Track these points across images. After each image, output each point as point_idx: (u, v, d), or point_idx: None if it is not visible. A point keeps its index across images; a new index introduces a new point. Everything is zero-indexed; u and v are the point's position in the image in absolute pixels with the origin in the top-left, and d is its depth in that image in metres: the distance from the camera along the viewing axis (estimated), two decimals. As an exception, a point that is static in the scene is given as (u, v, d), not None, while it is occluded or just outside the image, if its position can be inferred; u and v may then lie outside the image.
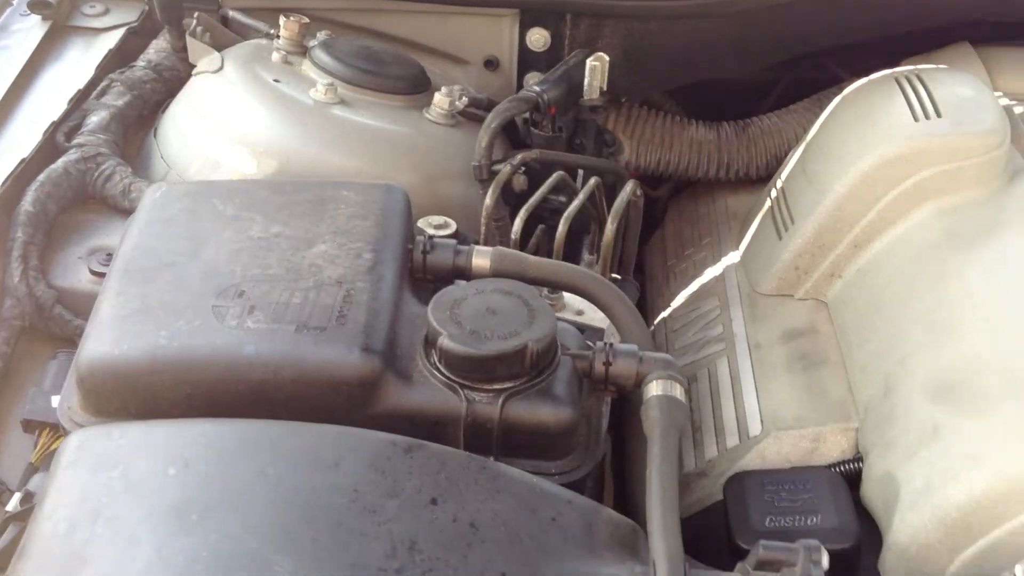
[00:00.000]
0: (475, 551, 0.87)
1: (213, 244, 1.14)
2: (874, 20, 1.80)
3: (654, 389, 1.04)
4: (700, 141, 1.82)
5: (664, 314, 1.69)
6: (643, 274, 1.85)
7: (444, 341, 1.02)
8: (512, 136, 1.64)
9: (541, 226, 1.51)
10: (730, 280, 1.62)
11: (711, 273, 1.68)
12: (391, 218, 1.18)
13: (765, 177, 1.78)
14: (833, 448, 1.27)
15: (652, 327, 1.70)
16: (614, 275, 1.48)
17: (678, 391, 1.04)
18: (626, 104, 1.82)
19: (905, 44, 1.82)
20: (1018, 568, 0.93)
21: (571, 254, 1.45)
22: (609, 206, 1.40)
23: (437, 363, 1.04)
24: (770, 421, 1.32)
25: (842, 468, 1.25)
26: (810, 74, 1.93)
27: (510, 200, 1.52)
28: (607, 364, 1.07)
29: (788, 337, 1.45)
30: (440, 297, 1.06)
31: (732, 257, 1.67)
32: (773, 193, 1.63)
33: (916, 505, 1.09)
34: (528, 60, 1.76)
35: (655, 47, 1.73)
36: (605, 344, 1.09)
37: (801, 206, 1.52)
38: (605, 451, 1.12)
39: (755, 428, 1.32)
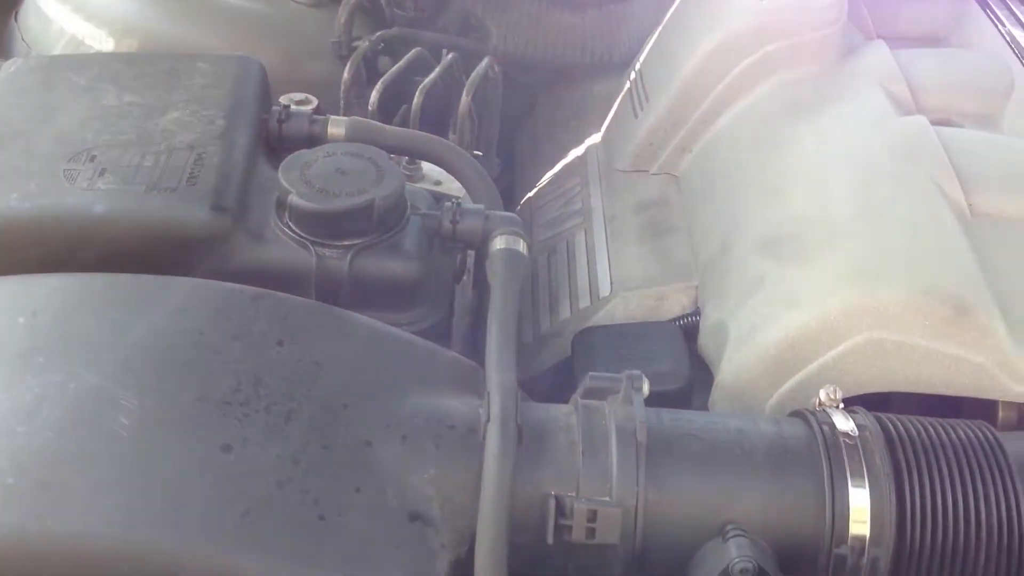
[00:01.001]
0: (319, 385, 0.92)
1: (66, 113, 1.15)
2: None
3: (498, 243, 1.10)
4: (566, 27, 1.86)
5: (530, 193, 1.75)
6: (515, 158, 1.90)
7: (293, 199, 1.06)
8: (379, 20, 1.66)
9: (404, 106, 1.54)
10: (591, 159, 1.68)
11: (575, 154, 1.74)
12: (245, 87, 1.21)
13: (629, 62, 1.84)
14: (675, 305, 1.36)
15: (519, 207, 1.76)
16: (476, 151, 1.53)
17: (520, 245, 1.11)
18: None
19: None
20: (821, 392, 1.02)
21: (438, 134, 1.49)
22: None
23: (288, 222, 1.08)
24: (619, 283, 1.40)
25: (682, 322, 1.33)
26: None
27: (375, 81, 1.55)
28: (454, 222, 1.13)
29: (640, 208, 1.53)
30: (291, 159, 1.10)
31: (594, 138, 1.74)
32: (632, 75, 1.69)
33: (741, 346, 1.18)
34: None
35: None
36: (452, 203, 1.14)
37: (655, 85, 1.58)
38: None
39: (605, 290, 1.40)
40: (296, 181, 1.08)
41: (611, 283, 1.41)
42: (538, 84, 2.00)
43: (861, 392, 1.11)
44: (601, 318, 1.37)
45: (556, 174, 1.73)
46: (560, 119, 1.88)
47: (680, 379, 1.21)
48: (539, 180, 1.76)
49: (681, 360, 1.23)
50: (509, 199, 1.80)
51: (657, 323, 1.33)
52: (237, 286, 0.99)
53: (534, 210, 1.70)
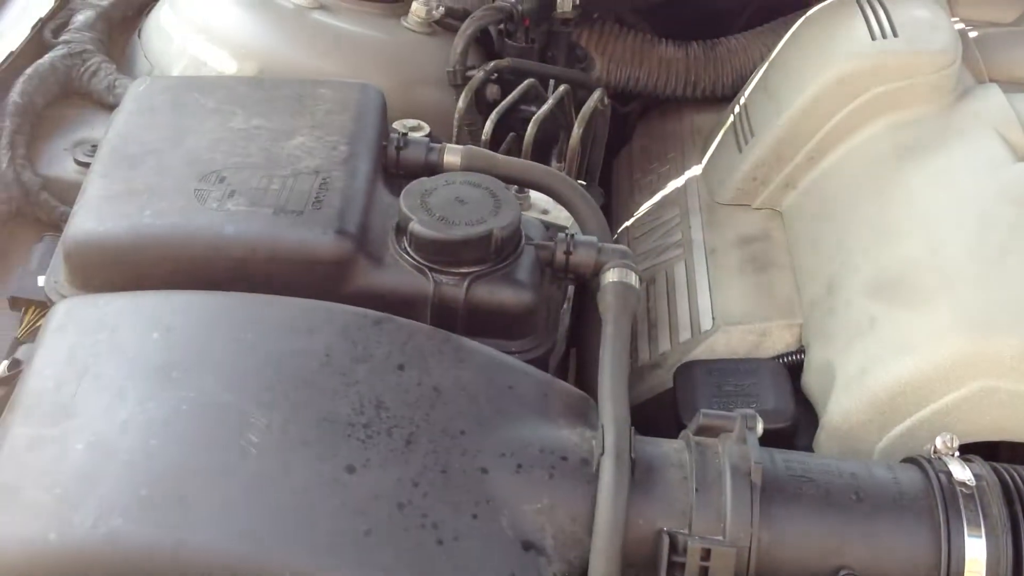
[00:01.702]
0: (437, 411, 0.94)
1: (195, 133, 1.19)
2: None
3: (610, 276, 1.11)
4: (669, 59, 1.87)
5: (628, 223, 1.76)
6: (611, 187, 1.92)
7: (414, 226, 1.09)
8: (488, 49, 1.69)
9: (512, 134, 1.56)
10: (691, 191, 1.69)
11: (674, 185, 1.75)
12: (366, 114, 1.24)
13: (731, 96, 1.84)
14: (778, 342, 1.36)
15: (616, 235, 1.77)
16: (580, 181, 1.55)
17: (632, 278, 1.11)
18: (599, 21, 1.87)
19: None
20: (937, 440, 1.01)
21: (541, 162, 1.51)
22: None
23: (407, 247, 1.11)
24: (720, 317, 1.40)
25: (785, 359, 1.33)
26: (780, -1, 1.98)
27: (484, 110, 1.57)
28: (568, 253, 1.14)
29: (742, 243, 1.53)
30: (412, 187, 1.13)
31: (695, 170, 1.74)
32: (736, 109, 1.70)
33: (849, 388, 1.18)
34: (504, -26, 1.81)
35: (628, -35, 1.78)
36: (566, 235, 1.16)
37: (761, 120, 1.58)
38: (565, 341, 1.20)
39: (707, 324, 1.40)
40: (417, 208, 1.10)
41: (712, 316, 1.41)
42: (633, 114, 2.02)
43: (971, 441, 1.10)
44: (702, 351, 1.37)
45: (655, 204, 1.74)
46: (658, 150, 1.89)
47: (786, 418, 1.21)
48: (636, 210, 1.77)
49: (786, 398, 1.23)
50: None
51: (761, 360, 1.33)
52: (361, 310, 1.01)
53: (631, 240, 1.71)
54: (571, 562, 0.91)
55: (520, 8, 1.56)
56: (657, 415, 1.31)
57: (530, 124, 1.37)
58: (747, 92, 1.69)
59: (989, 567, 0.92)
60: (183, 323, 0.99)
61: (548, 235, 1.25)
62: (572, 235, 1.15)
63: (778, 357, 1.34)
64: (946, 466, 0.98)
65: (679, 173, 1.77)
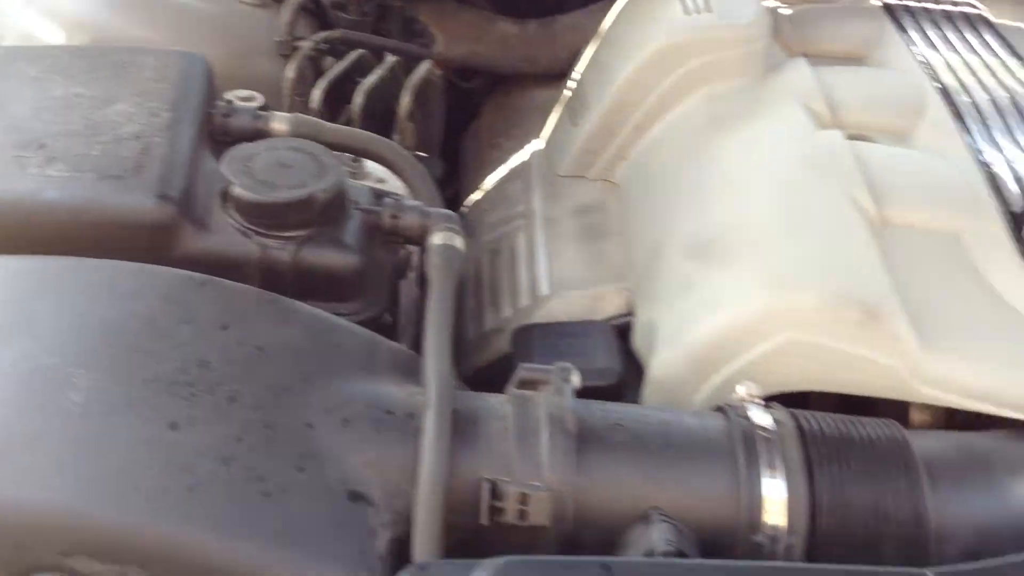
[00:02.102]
0: (261, 369, 0.96)
1: (16, 102, 1.17)
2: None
3: (436, 239, 1.14)
4: (507, 36, 1.92)
5: (475, 196, 1.80)
6: (459, 163, 1.95)
7: (235, 190, 1.10)
8: (323, 21, 1.70)
9: (347, 105, 1.58)
10: (533, 164, 1.73)
11: (518, 159, 1.79)
12: (189, 81, 1.23)
13: (569, 71, 1.89)
14: (610, 305, 1.41)
15: (465, 209, 1.81)
16: (419, 153, 1.58)
17: (458, 241, 1.15)
18: (438, -2, 1.90)
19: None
20: (740, 389, 1.08)
21: (382, 135, 1.53)
22: (413, 89, 1.49)
23: (232, 212, 1.11)
24: (557, 283, 1.45)
25: (616, 322, 1.39)
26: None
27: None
28: (394, 217, 1.17)
29: (579, 212, 1.58)
30: (233, 151, 1.14)
31: (536, 144, 1.79)
32: (571, 84, 1.75)
33: (668, 345, 1.24)
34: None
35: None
36: (394, 199, 1.19)
37: (592, 94, 1.64)
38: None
39: (545, 290, 1.45)
40: (239, 172, 1.11)
41: (550, 283, 1.46)
42: (481, 91, 2.05)
43: (781, 390, 1.17)
44: (541, 316, 1.42)
45: (501, 178, 1.78)
46: (504, 126, 1.93)
47: (612, 375, 1.25)
48: (483, 184, 1.81)
49: (614, 358, 1.28)
50: (455, 203, 1.85)
51: (592, 322, 1.38)
52: (185, 272, 1.02)
53: (479, 213, 1.74)
54: (398, 511, 0.93)
55: (349, -21, 1.58)
56: (498, 375, 1.35)
57: (355, 94, 1.39)
58: (580, 68, 1.75)
59: (790, 505, 0.98)
60: (4, 287, 0.97)
61: (377, 201, 1.28)
62: (399, 199, 1.18)
63: (609, 319, 1.40)
64: (747, 413, 1.05)
65: (522, 147, 1.82)
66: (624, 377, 1.27)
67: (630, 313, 1.39)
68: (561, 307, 1.41)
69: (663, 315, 1.29)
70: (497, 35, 1.91)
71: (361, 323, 1.12)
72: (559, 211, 1.59)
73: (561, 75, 1.94)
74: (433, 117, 1.60)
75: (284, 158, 1.13)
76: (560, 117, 1.74)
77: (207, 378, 0.93)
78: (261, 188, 1.09)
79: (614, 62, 1.61)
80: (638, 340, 1.33)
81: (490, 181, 1.78)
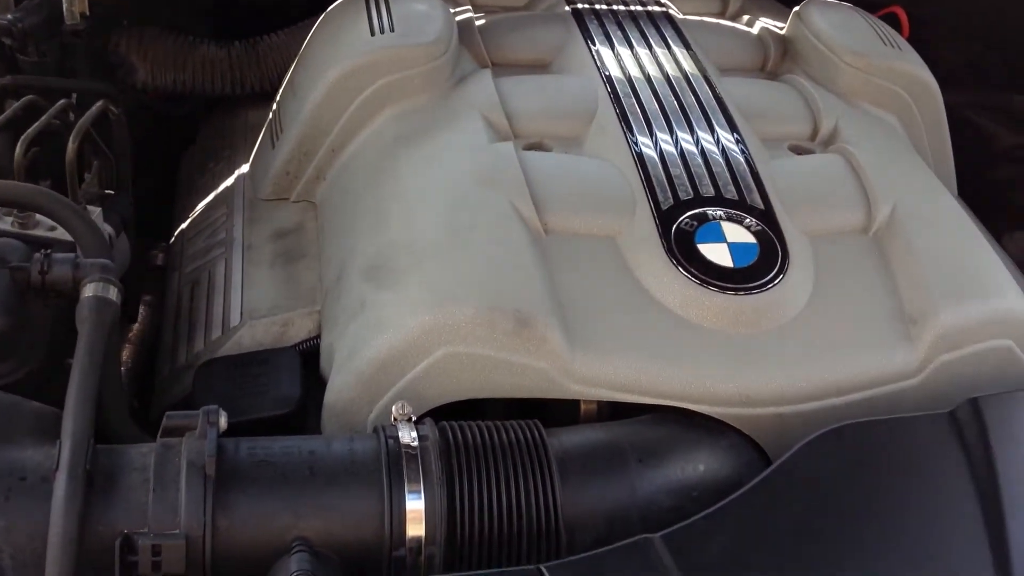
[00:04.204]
0: None
1: None
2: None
3: (88, 291, 1.14)
4: (212, 59, 1.91)
5: (183, 225, 1.78)
6: (175, 190, 1.93)
7: None
8: (11, 64, 1.65)
9: (35, 149, 1.54)
10: (238, 189, 1.74)
11: (224, 183, 1.79)
12: None
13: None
14: (300, 330, 1.44)
15: (172, 238, 1.79)
16: (108, 191, 1.56)
17: (111, 292, 1.15)
18: (137, 26, 1.87)
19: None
20: (394, 408, 1.12)
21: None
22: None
23: None
24: (248, 312, 1.46)
25: (304, 346, 1.41)
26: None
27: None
28: (43, 273, 1.16)
29: (277, 236, 1.60)
30: None
31: (244, 168, 1.79)
32: (273, 106, 1.76)
33: (342, 368, 1.27)
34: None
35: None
36: (43, 254, 1.17)
37: (288, 116, 1.65)
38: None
39: (235, 319, 1.46)
40: None
41: (241, 312, 1.47)
42: (195, 115, 2.04)
43: (444, 402, 1.22)
44: (229, 348, 1.43)
45: (207, 204, 1.78)
46: (216, 148, 1.93)
47: (290, 403, 1.28)
48: (192, 211, 1.80)
49: (294, 385, 1.31)
50: (168, 232, 1.84)
51: (278, 349, 1.40)
52: None
53: (185, 242, 1.74)
54: (32, 577, 0.94)
55: (20, 25, 1.54)
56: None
57: (18, 144, 1.36)
58: (281, 89, 1.76)
59: (427, 517, 1.03)
60: None
61: (55, 249, 1.26)
62: (48, 253, 1.17)
63: (298, 345, 1.42)
64: (396, 431, 1.09)
65: (231, 171, 1.82)
66: (306, 403, 1.30)
67: (317, 336, 1.41)
68: (249, 336, 1.43)
69: (340, 338, 1.32)
70: (201, 59, 1.90)
71: (16, 382, 1.12)
72: (257, 236, 1.60)
73: (273, 95, 1.96)
74: (122, 155, 1.58)
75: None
76: (262, 140, 1.75)
77: None
78: None
79: (308, 84, 1.63)
80: (323, 364, 1.36)
81: (199, 207, 1.78)
